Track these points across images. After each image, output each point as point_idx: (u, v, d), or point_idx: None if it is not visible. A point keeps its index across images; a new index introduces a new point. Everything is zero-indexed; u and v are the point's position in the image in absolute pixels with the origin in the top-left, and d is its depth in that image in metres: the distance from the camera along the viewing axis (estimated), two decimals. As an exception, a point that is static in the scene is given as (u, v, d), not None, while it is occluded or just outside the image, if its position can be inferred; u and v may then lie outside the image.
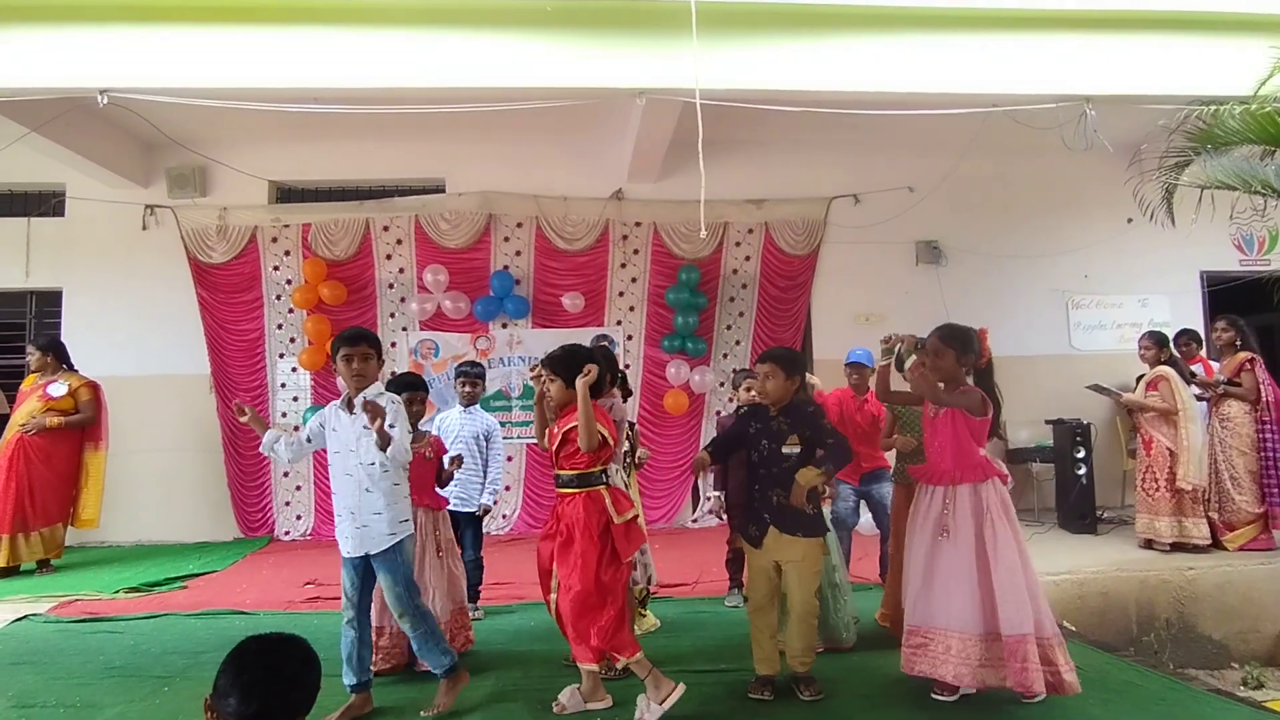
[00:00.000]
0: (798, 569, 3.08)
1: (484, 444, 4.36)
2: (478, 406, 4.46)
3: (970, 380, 3.15)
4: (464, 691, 3.14)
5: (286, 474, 6.97)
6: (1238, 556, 5.12)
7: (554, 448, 3.08)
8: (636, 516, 3.11)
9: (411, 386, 3.68)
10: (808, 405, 3.23)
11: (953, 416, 3.05)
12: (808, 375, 3.56)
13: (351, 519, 2.98)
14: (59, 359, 5.80)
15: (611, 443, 3.07)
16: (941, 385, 3.13)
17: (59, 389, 5.63)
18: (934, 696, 2.98)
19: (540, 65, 4.83)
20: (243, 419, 3.15)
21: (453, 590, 3.56)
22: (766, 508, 3.12)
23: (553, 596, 3.06)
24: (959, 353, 3.05)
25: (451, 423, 4.37)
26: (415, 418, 3.70)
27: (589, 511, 2.97)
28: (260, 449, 3.23)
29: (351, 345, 3.06)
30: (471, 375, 4.42)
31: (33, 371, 5.77)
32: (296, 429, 3.20)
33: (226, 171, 6.98)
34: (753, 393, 4.20)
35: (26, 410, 5.58)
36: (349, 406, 3.04)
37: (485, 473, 4.34)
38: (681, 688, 2.85)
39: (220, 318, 6.98)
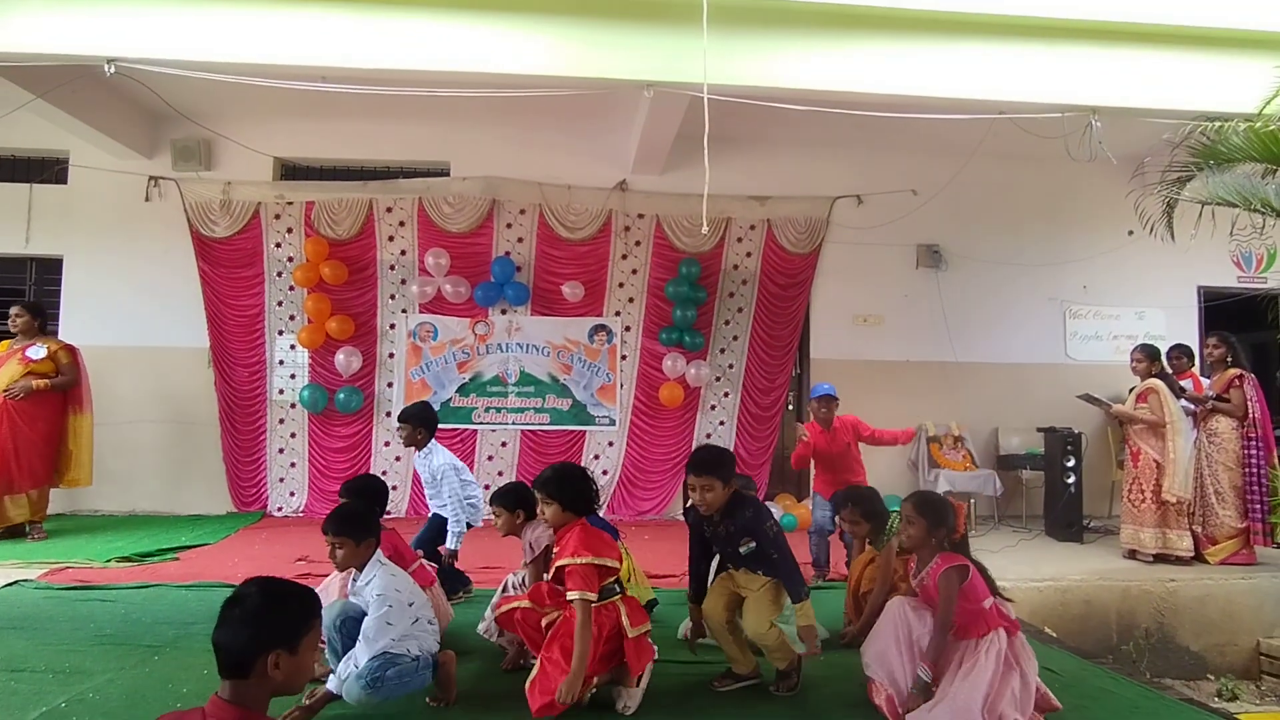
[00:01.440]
0: (755, 598, 3.03)
1: (437, 484, 4.21)
2: (432, 444, 4.27)
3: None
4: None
5: (281, 450, 7.01)
6: (1219, 570, 5.19)
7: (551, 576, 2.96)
8: (648, 631, 2.97)
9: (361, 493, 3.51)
10: (747, 509, 3.04)
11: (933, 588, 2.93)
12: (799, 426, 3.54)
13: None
14: (42, 324, 5.83)
15: (617, 566, 2.93)
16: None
17: (38, 351, 5.66)
18: None
19: (550, 54, 4.84)
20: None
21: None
22: (731, 562, 3.12)
23: (520, 604, 3.00)
24: (930, 524, 2.92)
25: (417, 463, 4.36)
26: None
27: (599, 622, 2.79)
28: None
29: (324, 532, 2.87)
30: (403, 419, 4.30)
31: (16, 333, 5.77)
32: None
33: (232, 146, 6.98)
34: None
35: (7, 374, 5.58)
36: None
37: (447, 510, 4.18)
38: (651, 660, 2.89)
39: (221, 292, 6.99)
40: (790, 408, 7.52)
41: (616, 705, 2.90)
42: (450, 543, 4.18)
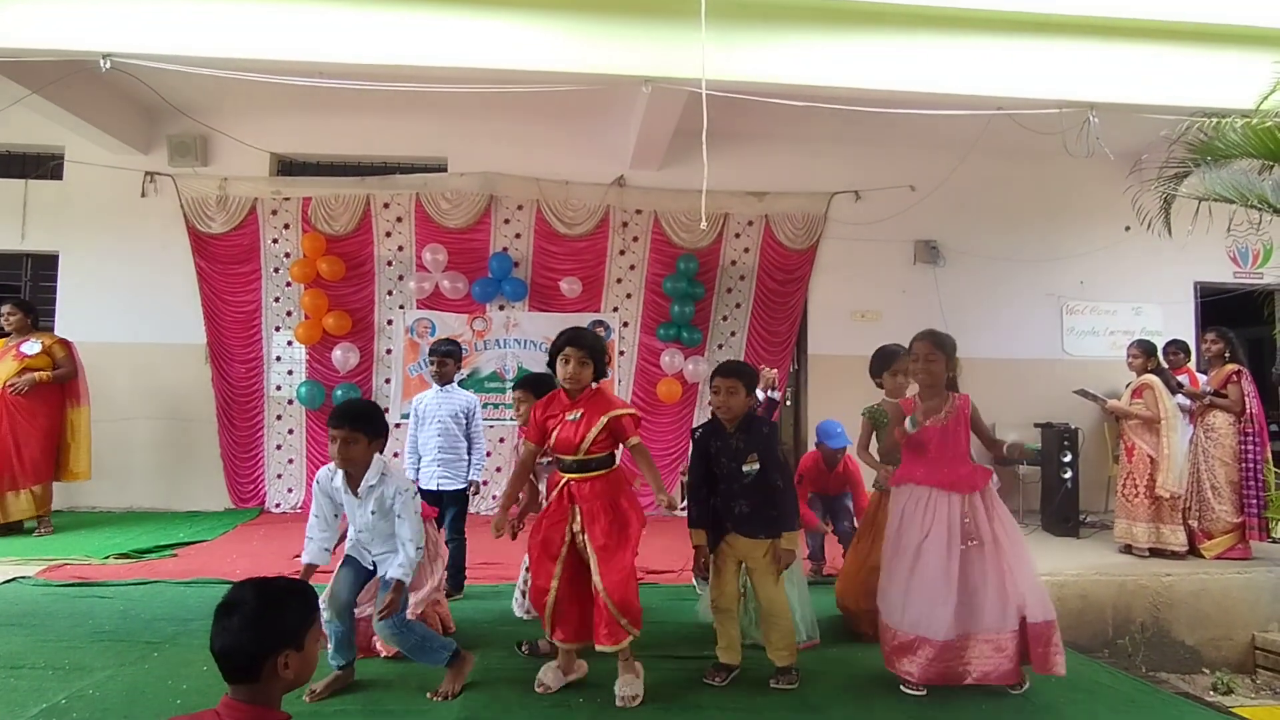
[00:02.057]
0: (761, 567, 3.14)
1: (463, 421, 4.36)
2: (454, 385, 4.44)
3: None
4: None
5: (279, 447, 7.00)
6: (1214, 565, 5.21)
7: (582, 434, 3.00)
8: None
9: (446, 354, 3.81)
10: (763, 425, 3.25)
11: (961, 424, 3.13)
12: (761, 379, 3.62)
13: (364, 555, 3.02)
14: (35, 320, 5.84)
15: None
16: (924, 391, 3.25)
17: (32, 347, 5.64)
18: (905, 690, 3.04)
19: (548, 49, 4.82)
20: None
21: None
22: (729, 516, 3.17)
23: (554, 584, 2.99)
24: (949, 357, 3.15)
25: (428, 404, 4.39)
26: (445, 379, 3.88)
27: (617, 488, 3.07)
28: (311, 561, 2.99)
29: (334, 425, 2.85)
30: (440, 353, 4.36)
31: (10, 331, 5.75)
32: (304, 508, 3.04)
33: (228, 142, 6.95)
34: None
35: (2, 370, 5.57)
36: (350, 486, 2.93)
37: (470, 450, 4.36)
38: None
39: (218, 288, 6.97)
40: (789, 403, 7.53)
41: (619, 696, 2.92)
42: (474, 474, 4.36)
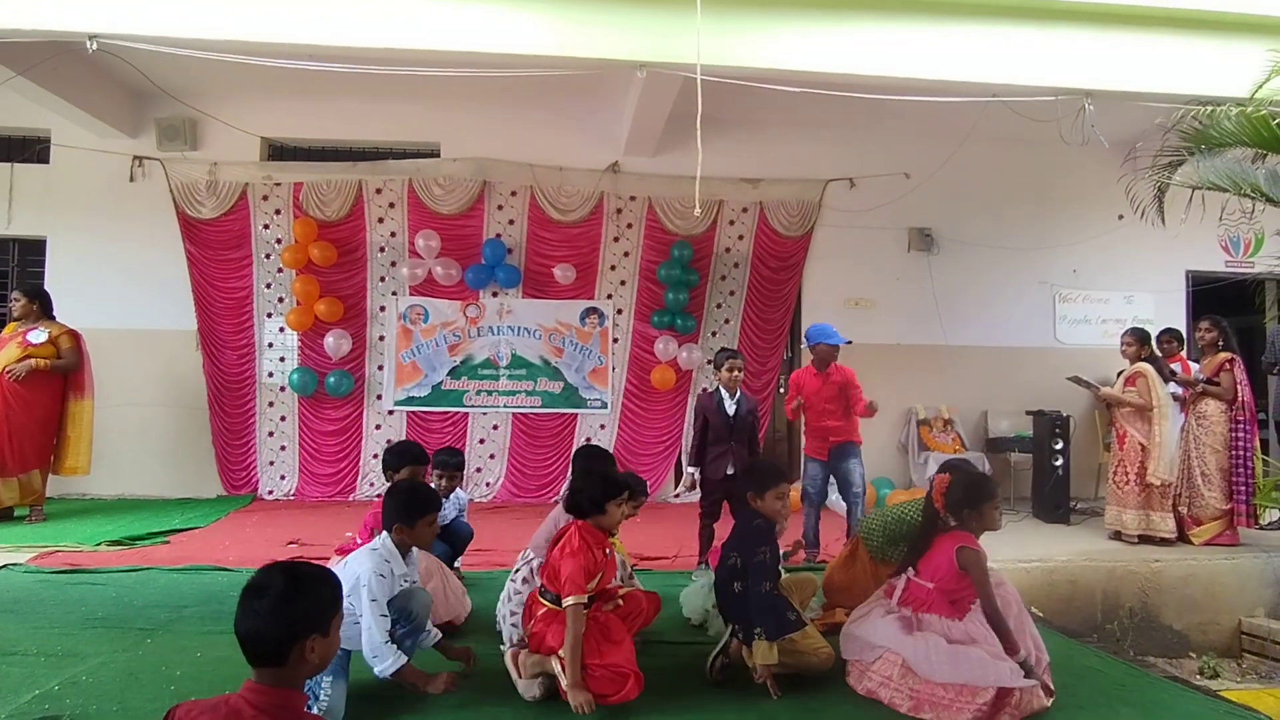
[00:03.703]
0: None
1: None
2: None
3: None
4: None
5: (271, 434, 6.97)
6: (1203, 551, 5.26)
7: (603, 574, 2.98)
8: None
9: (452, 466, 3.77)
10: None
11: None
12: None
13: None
14: (43, 308, 5.76)
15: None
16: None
17: (39, 335, 5.60)
18: None
19: (541, 33, 4.77)
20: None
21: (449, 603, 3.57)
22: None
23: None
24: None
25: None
26: (433, 535, 3.33)
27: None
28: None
29: (438, 509, 2.99)
30: (451, 468, 4.07)
31: (16, 318, 5.72)
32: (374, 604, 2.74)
33: (218, 125, 6.87)
34: (734, 373, 4.33)
35: (6, 356, 5.53)
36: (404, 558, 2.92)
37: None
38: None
39: (208, 274, 6.92)
40: (781, 391, 7.54)
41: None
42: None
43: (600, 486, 2.98)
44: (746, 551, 3.06)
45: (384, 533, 2.91)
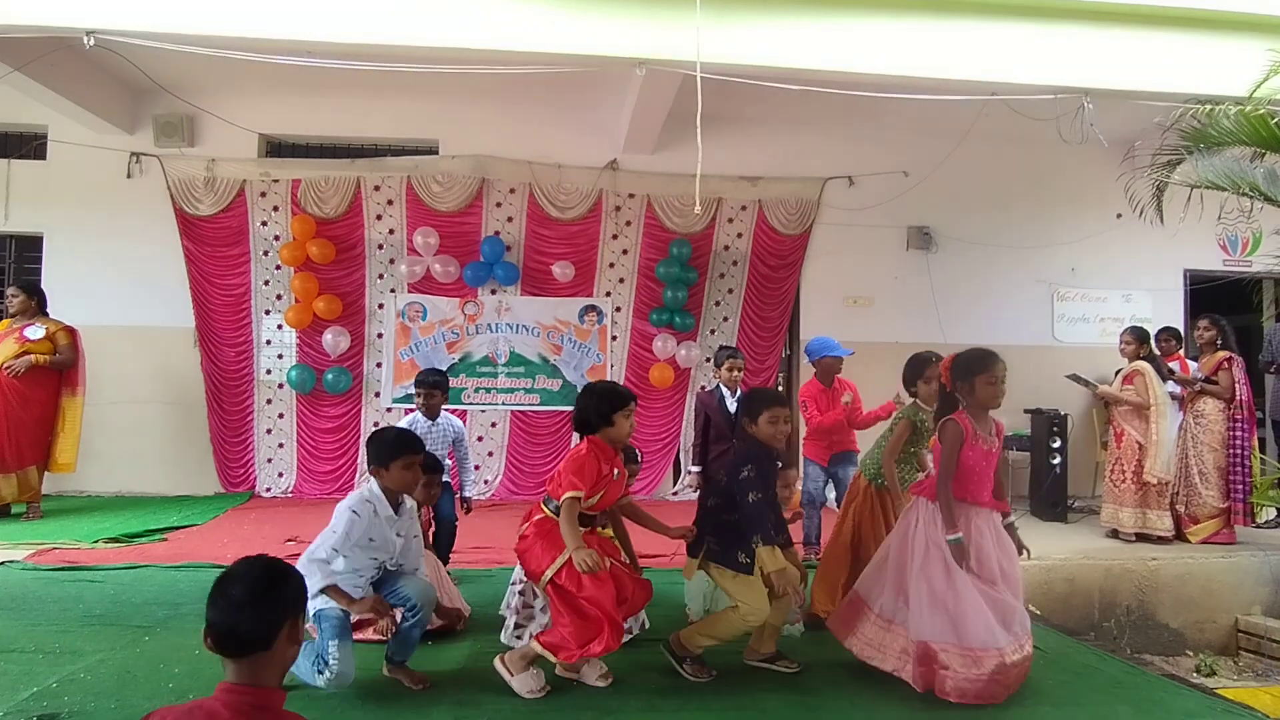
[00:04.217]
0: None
1: (452, 447, 4.32)
2: (442, 414, 4.29)
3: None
4: (443, 655, 3.21)
5: (269, 431, 6.96)
6: (1199, 549, 5.27)
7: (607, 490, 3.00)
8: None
9: (428, 469, 3.58)
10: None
11: (998, 447, 3.11)
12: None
13: (362, 590, 2.89)
14: (40, 304, 5.75)
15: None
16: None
17: (36, 331, 5.59)
18: None
19: (541, 30, 4.76)
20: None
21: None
22: (776, 524, 3.13)
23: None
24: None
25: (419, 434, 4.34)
26: (432, 500, 3.66)
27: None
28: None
29: (416, 452, 2.92)
30: (428, 384, 4.20)
31: (12, 314, 5.71)
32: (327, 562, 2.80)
33: (215, 122, 6.85)
34: (735, 372, 4.35)
35: (4, 352, 5.52)
36: (395, 509, 2.91)
37: (460, 471, 4.33)
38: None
39: (206, 271, 6.90)
40: (780, 388, 7.54)
41: (597, 676, 2.96)
42: (470, 491, 4.37)
43: (606, 400, 3.00)
44: (732, 470, 3.11)
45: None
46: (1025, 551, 3.13)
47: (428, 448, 4.06)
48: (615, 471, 3.00)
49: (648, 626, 3.51)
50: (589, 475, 2.87)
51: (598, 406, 2.98)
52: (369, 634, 3.28)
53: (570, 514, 2.83)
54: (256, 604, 1.58)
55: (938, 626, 2.88)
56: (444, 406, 4.35)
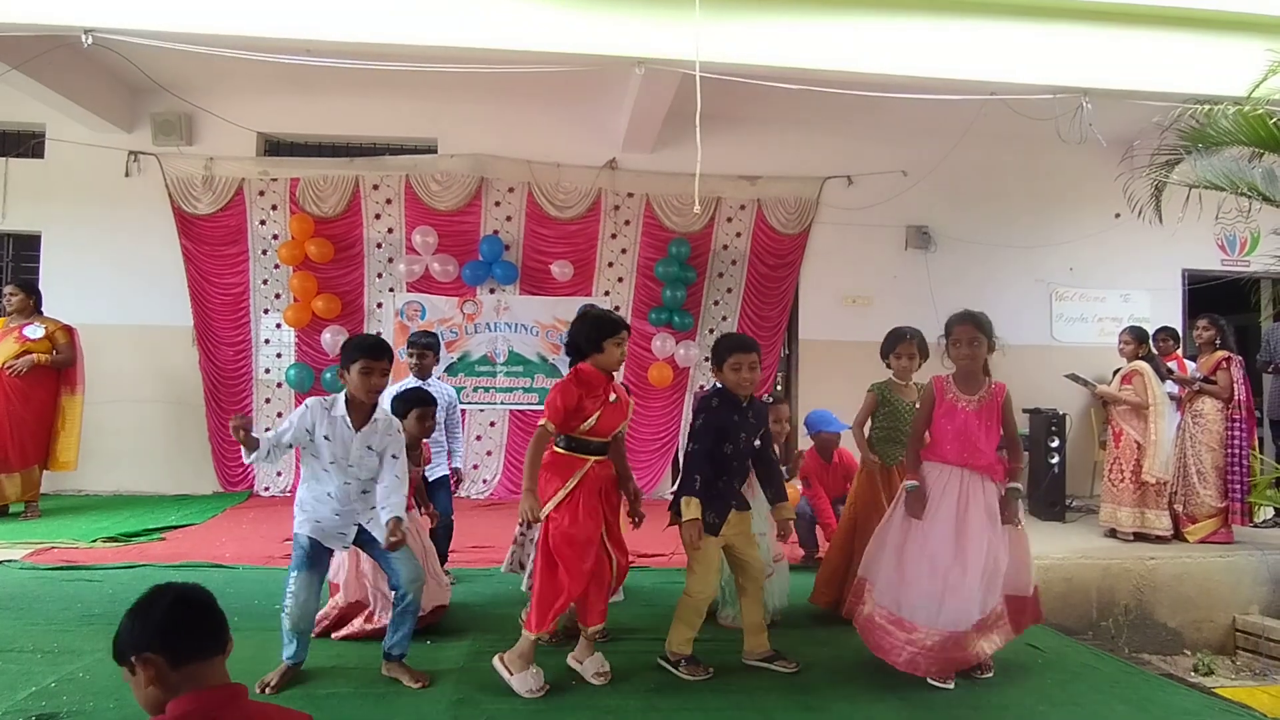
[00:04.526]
0: (743, 537, 3.21)
1: (443, 413, 4.26)
2: (433, 377, 4.31)
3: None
4: (442, 653, 3.21)
5: (268, 430, 6.92)
6: (1197, 548, 5.28)
7: (625, 415, 3.07)
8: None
9: (421, 402, 3.57)
10: (759, 401, 3.32)
11: (994, 411, 3.11)
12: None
13: (339, 520, 2.91)
14: (37, 303, 5.75)
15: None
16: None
17: (36, 330, 5.59)
18: (933, 684, 3.00)
19: (540, 29, 4.76)
20: (237, 436, 2.82)
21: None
22: (732, 495, 3.15)
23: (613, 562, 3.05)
24: (988, 339, 3.12)
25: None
26: (427, 432, 3.63)
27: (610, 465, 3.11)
28: (245, 459, 2.96)
29: (374, 358, 2.85)
30: (420, 345, 4.18)
31: (10, 313, 5.69)
32: (268, 429, 2.94)
33: (214, 120, 6.84)
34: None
35: (4, 351, 5.51)
36: (354, 421, 2.89)
37: (449, 439, 4.31)
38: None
39: (204, 270, 6.89)
40: (779, 387, 7.55)
41: (595, 673, 2.96)
42: (458, 461, 4.34)
43: (598, 326, 3.00)
44: (694, 417, 3.18)
45: None
46: (1017, 523, 3.17)
47: None
48: (614, 396, 3.00)
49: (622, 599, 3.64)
50: (560, 405, 2.91)
51: (589, 333, 2.99)
52: (360, 626, 3.28)
53: (538, 445, 2.92)
54: (214, 611, 1.57)
55: (881, 572, 3.15)
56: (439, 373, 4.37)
